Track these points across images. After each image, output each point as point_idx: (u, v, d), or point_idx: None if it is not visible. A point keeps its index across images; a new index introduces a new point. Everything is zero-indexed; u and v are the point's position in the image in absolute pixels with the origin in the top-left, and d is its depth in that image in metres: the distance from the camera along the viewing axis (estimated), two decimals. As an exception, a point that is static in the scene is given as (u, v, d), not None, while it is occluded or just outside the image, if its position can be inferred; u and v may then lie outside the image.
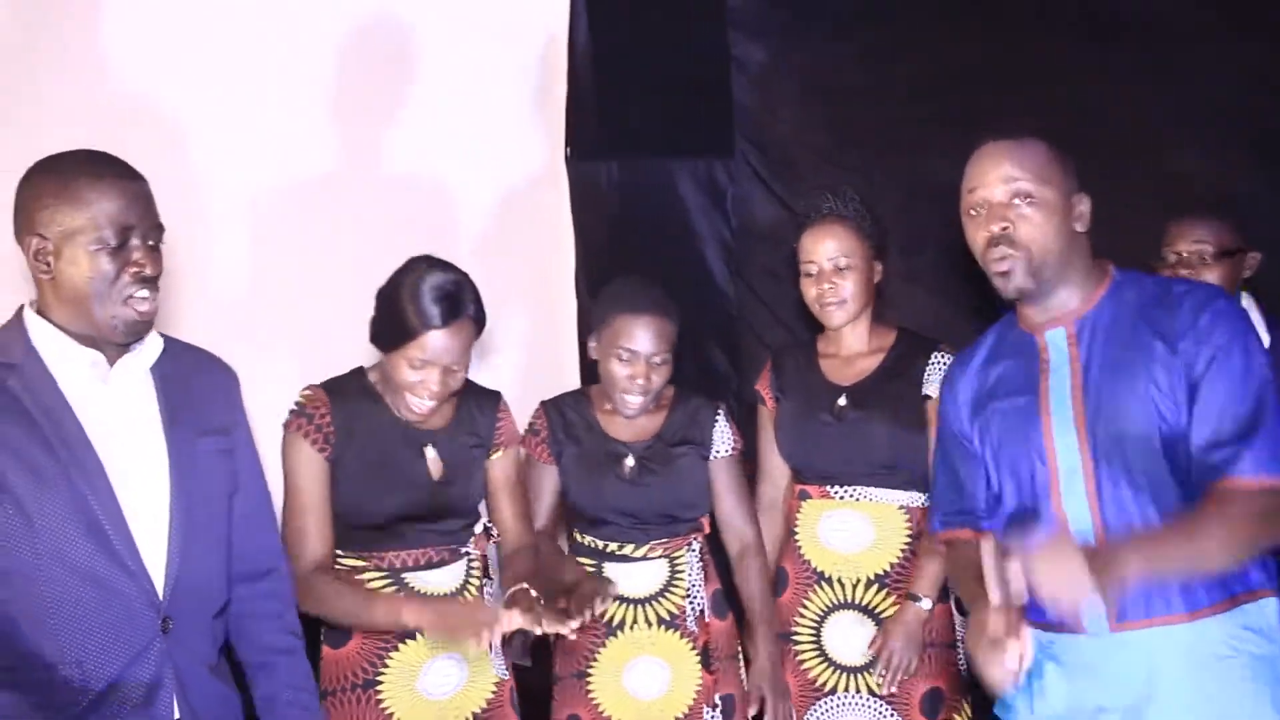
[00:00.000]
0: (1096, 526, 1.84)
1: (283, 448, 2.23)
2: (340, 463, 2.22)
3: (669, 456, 2.52)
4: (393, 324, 2.19)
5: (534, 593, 2.13)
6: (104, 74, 2.46)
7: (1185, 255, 2.67)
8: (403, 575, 2.25)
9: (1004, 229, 1.87)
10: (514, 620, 2.04)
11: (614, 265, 3.32)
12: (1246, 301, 2.66)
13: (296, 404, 2.25)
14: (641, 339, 2.43)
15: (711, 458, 2.55)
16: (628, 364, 2.44)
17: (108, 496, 1.75)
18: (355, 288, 2.44)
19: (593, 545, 2.51)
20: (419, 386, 2.20)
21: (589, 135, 3.36)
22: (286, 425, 2.24)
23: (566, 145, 3.40)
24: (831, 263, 2.49)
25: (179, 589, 1.81)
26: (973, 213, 1.94)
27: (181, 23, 2.59)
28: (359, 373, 2.34)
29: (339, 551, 2.25)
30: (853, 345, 2.58)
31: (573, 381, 3.39)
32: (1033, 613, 1.81)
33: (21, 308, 1.82)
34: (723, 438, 2.56)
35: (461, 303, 2.19)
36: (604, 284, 3.29)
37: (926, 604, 2.43)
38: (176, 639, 1.80)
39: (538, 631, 2.06)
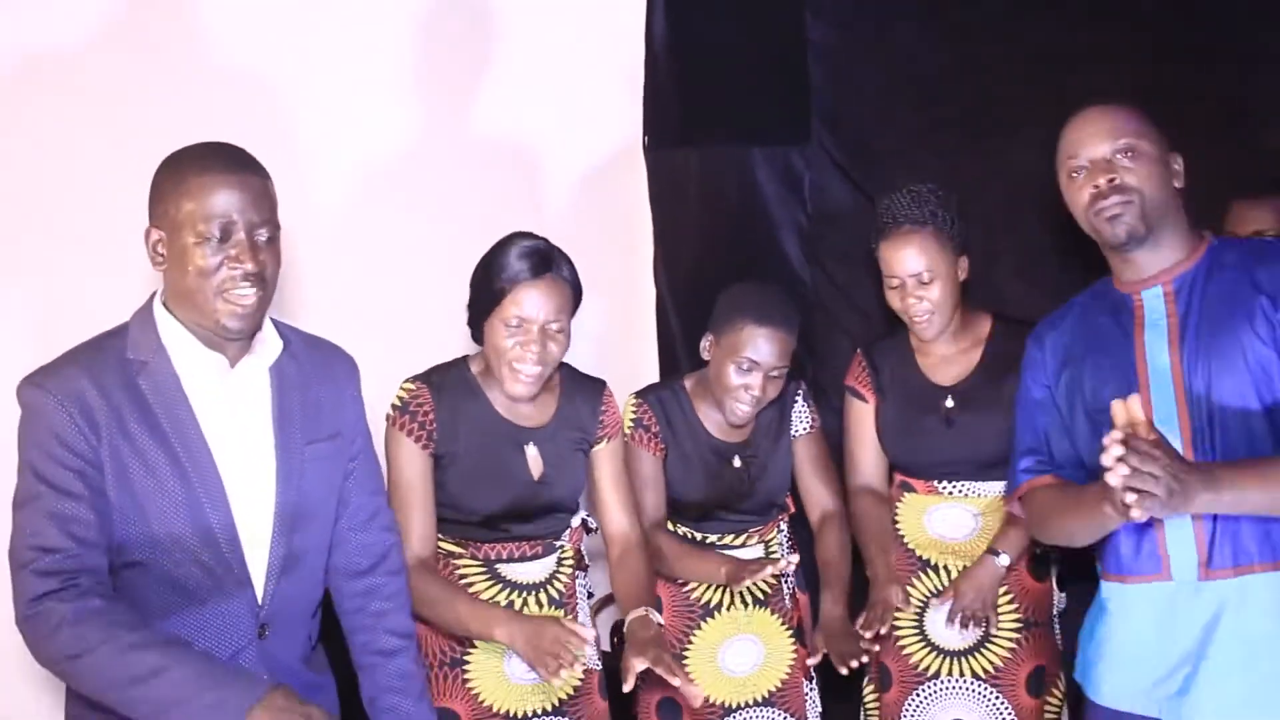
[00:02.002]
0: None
1: (386, 442, 2.22)
2: (442, 458, 2.23)
3: (770, 450, 2.55)
4: (486, 289, 2.19)
5: (657, 619, 2.13)
6: (196, 55, 2.53)
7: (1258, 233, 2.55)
8: (496, 565, 2.28)
9: (1111, 180, 1.92)
10: (635, 666, 2.00)
11: (692, 254, 3.34)
12: None
13: (399, 399, 2.24)
14: (765, 351, 2.41)
15: (793, 435, 2.57)
16: (747, 374, 2.42)
17: (222, 503, 1.77)
18: (441, 273, 2.51)
19: (690, 536, 2.53)
20: (519, 350, 2.16)
21: (666, 123, 3.37)
22: (389, 419, 2.24)
23: (645, 133, 3.41)
24: (914, 277, 2.44)
25: (278, 598, 1.83)
26: (1074, 175, 1.98)
27: (277, 5, 2.65)
28: (461, 363, 2.31)
29: (439, 535, 2.27)
30: (949, 343, 2.56)
31: (650, 371, 3.40)
32: (1116, 566, 1.92)
33: (152, 296, 1.83)
34: (801, 417, 2.60)
35: (552, 260, 2.19)
36: (681, 272, 3.34)
37: (1005, 560, 2.42)
38: (271, 642, 1.83)
39: (675, 683, 2.00)
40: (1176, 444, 1.87)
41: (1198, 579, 1.87)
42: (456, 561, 2.29)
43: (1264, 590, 1.84)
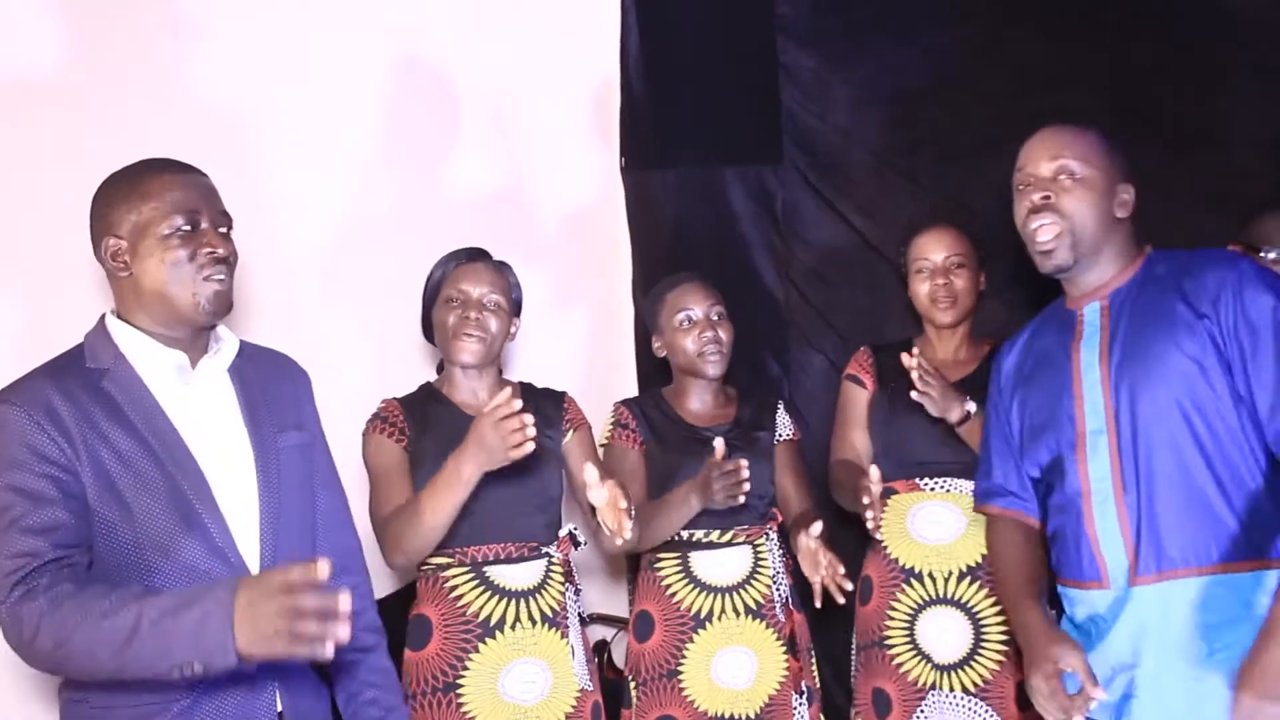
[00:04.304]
0: (1116, 486, 1.93)
1: (364, 449, 2.35)
2: (417, 456, 2.30)
3: (752, 439, 2.63)
4: (429, 289, 2.43)
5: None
6: (170, 93, 2.50)
7: None
8: (484, 569, 2.30)
9: (1045, 199, 1.99)
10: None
11: (669, 271, 3.34)
12: None
13: (374, 414, 2.38)
14: (693, 299, 2.62)
15: (777, 439, 2.68)
16: (693, 328, 2.59)
17: (204, 491, 1.79)
18: (415, 303, 2.53)
19: (676, 537, 2.54)
20: (460, 322, 2.35)
21: (642, 145, 3.40)
22: (365, 431, 2.36)
23: (621, 155, 3.44)
24: (947, 261, 2.61)
25: None
26: (1020, 187, 2.06)
27: (252, 44, 2.64)
28: (425, 386, 2.47)
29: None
30: (952, 351, 2.66)
31: (630, 386, 3.43)
32: (1067, 571, 2.00)
33: (103, 316, 1.87)
34: (784, 423, 2.71)
35: (481, 251, 2.45)
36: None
37: (972, 406, 2.44)
38: None
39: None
40: (1104, 453, 1.95)
41: (1128, 585, 1.92)
42: (444, 574, 2.31)
43: (1188, 594, 1.87)
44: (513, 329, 2.45)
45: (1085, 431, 1.98)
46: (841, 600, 2.30)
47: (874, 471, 2.32)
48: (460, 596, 2.29)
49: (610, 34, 3.38)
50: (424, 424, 2.35)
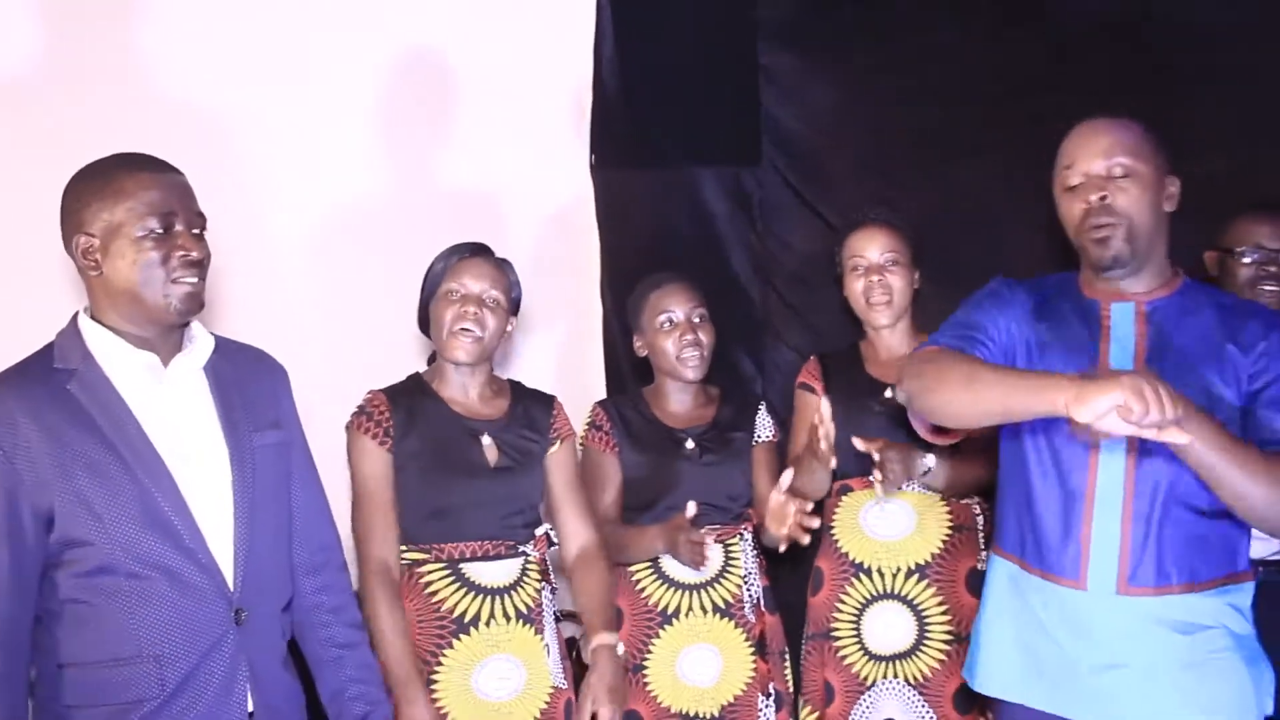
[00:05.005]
0: (1127, 494, 1.92)
1: (347, 447, 2.31)
2: (401, 453, 2.28)
3: (726, 440, 2.62)
4: (429, 278, 2.38)
5: (620, 650, 2.37)
6: (151, 90, 2.48)
7: (1271, 251, 2.44)
8: (460, 565, 2.28)
9: (1103, 198, 1.94)
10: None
11: (639, 272, 3.34)
12: None
13: (358, 406, 2.33)
14: (675, 301, 2.59)
15: (756, 440, 2.67)
16: (674, 330, 2.57)
17: (172, 492, 1.77)
18: (398, 295, 2.51)
19: None
20: (458, 317, 2.31)
21: (614, 144, 3.39)
22: (349, 426, 2.32)
23: (591, 153, 3.43)
24: (881, 259, 2.59)
25: (249, 580, 1.83)
26: (1069, 187, 1.99)
27: (235, 44, 2.63)
28: (414, 376, 2.42)
29: (402, 546, 2.28)
30: (895, 348, 2.65)
31: (599, 387, 3.42)
32: (1038, 559, 1.95)
33: (76, 314, 1.84)
34: (765, 425, 2.70)
35: (483, 247, 2.40)
36: (629, 292, 3.35)
37: (930, 460, 2.46)
38: (249, 631, 1.83)
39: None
40: (1121, 458, 1.92)
41: (1115, 592, 1.92)
42: (420, 570, 2.28)
43: (1178, 610, 1.90)
44: (509, 327, 2.41)
45: None
46: (806, 541, 2.35)
47: (825, 406, 2.36)
48: (435, 593, 2.26)
49: (585, 32, 3.36)
50: (410, 419, 2.31)
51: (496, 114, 3.23)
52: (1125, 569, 1.91)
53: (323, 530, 2.04)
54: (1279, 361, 1.90)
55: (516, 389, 2.47)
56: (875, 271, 2.59)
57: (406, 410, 2.32)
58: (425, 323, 2.42)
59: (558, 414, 2.46)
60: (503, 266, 2.40)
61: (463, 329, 2.31)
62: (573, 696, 2.37)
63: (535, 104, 3.35)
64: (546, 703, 2.31)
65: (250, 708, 1.81)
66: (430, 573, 2.28)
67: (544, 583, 2.37)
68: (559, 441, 2.44)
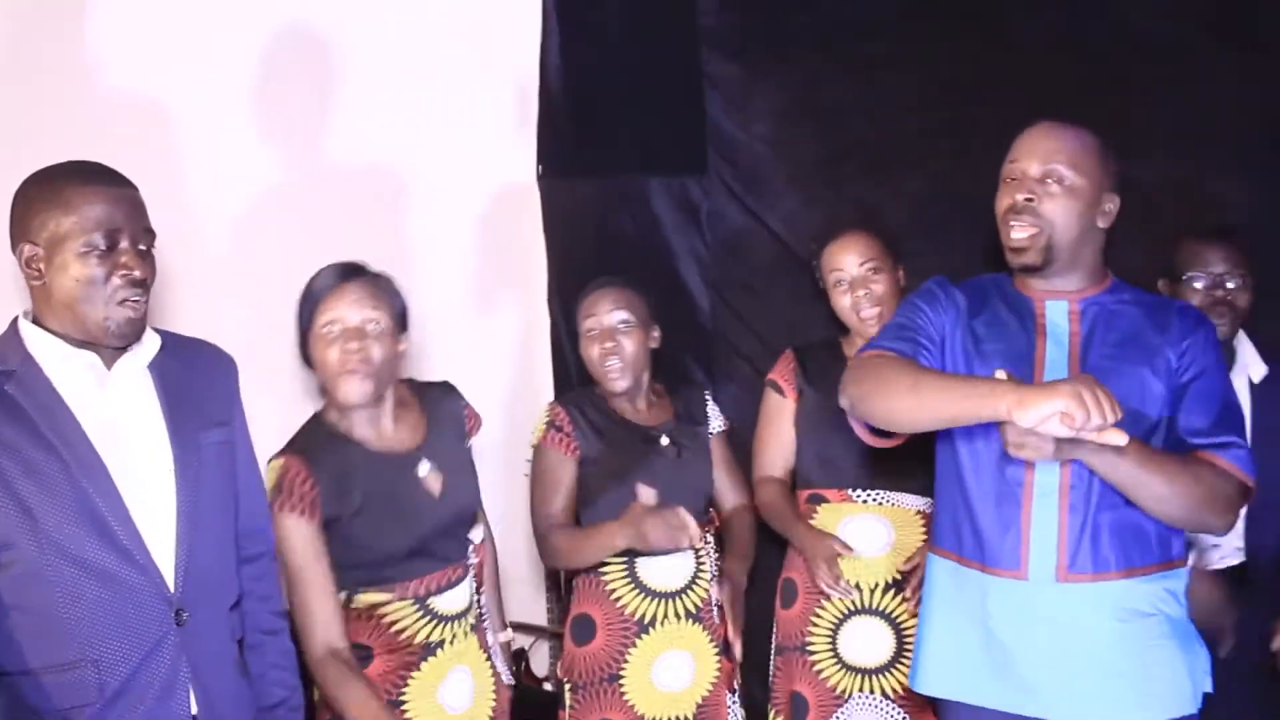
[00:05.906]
0: (1063, 483, 1.95)
1: (275, 529, 2.10)
2: (339, 518, 2.14)
3: (694, 434, 2.61)
4: (302, 312, 2.18)
5: None
6: (92, 78, 2.44)
7: (1218, 276, 2.43)
8: (427, 601, 2.20)
9: (1027, 200, 1.97)
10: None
11: (586, 281, 3.33)
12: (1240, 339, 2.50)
13: (272, 481, 2.12)
14: (601, 306, 2.55)
15: (711, 432, 2.66)
16: (598, 339, 2.52)
17: (111, 493, 1.75)
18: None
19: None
20: (341, 357, 2.11)
21: (561, 153, 3.39)
22: (272, 505, 2.10)
23: (538, 163, 3.42)
24: (861, 270, 2.55)
25: (189, 580, 1.81)
26: (1006, 180, 2.02)
27: (169, 31, 2.59)
28: (315, 421, 2.24)
29: (360, 589, 2.17)
30: None
31: (546, 394, 3.42)
32: (978, 553, 1.98)
33: (16, 318, 1.83)
34: (715, 415, 2.69)
35: (357, 267, 2.19)
36: (576, 300, 3.34)
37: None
38: (191, 632, 1.81)
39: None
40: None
41: (1055, 580, 1.95)
42: (385, 609, 2.18)
43: (1118, 596, 1.94)
44: (401, 346, 2.21)
45: None
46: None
47: (835, 543, 2.48)
48: (404, 630, 2.18)
49: (531, 41, 3.37)
50: (339, 480, 2.12)
51: (447, 120, 3.22)
52: (1064, 557, 1.94)
53: (256, 520, 2.04)
54: (1200, 361, 1.96)
55: (421, 397, 2.30)
56: (859, 285, 2.55)
57: (329, 471, 2.13)
58: (308, 357, 2.20)
59: (467, 409, 2.37)
60: (379, 284, 2.18)
61: (348, 370, 2.10)
62: (510, 693, 2.37)
63: (484, 109, 3.35)
64: (493, 704, 2.32)
65: (194, 710, 1.80)
66: (395, 612, 2.18)
67: (477, 589, 2.35)
68: (473, 434, 2.37)
